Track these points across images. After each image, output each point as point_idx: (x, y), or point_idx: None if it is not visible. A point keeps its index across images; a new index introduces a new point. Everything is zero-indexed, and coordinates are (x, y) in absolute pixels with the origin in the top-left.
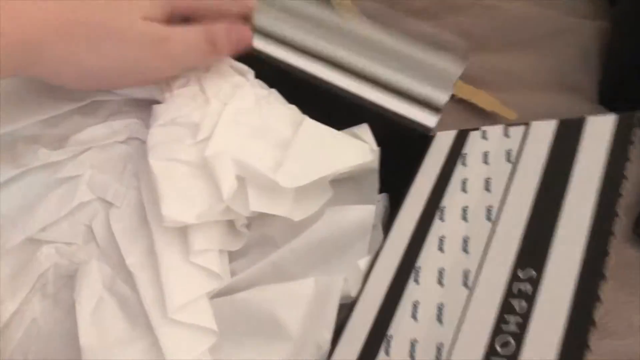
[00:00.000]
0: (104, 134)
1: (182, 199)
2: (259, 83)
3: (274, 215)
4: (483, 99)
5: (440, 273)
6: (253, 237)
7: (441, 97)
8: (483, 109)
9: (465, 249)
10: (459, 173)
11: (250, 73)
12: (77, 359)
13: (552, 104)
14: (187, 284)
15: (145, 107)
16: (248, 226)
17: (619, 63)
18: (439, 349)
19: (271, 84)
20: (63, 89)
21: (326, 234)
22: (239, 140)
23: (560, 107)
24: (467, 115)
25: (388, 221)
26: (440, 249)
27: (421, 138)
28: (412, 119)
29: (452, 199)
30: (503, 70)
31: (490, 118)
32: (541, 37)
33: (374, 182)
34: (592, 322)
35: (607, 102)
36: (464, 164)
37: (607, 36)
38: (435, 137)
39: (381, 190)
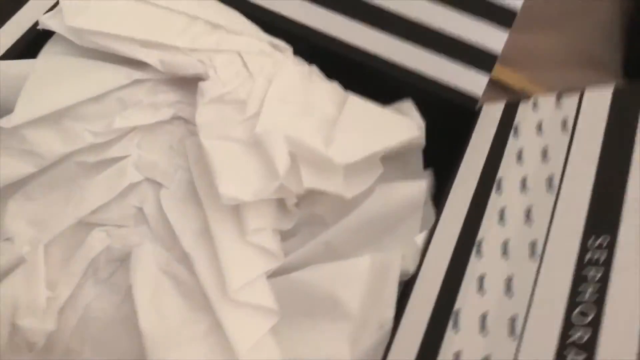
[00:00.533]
0: (148, 113)
1: (237, 177)
2: (297, 60)
3: (322, 194)
4: (510, 77)
5: (505, 245)
6: (302, 217)
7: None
8: (510, 87)
9: (528, 220)
10: (512, 144)
11: (289, 50)
12: (136, 343)
13: (577, 80)
14: (245, 263)
15: (187, 85)
16: (297, 205)
17: None
18: (512, 321)
19: (306, 59)
20: (105, 69)
21: (377, 211)
22: (287, 117)
23: (586, 83)
24: (493, 94)
25: (436, 197)
26: (502, 220)
27: (467, 111)
28: (457, 89)
29: (509, 171)
30: (527, 48)
31: (517, 96)
32: (564, 16)
33: (420, 158)
34: None
35: (631, 76)
36: (516, 134)
37: (630, 14)
38: (483, 110)
39: (425, 166)
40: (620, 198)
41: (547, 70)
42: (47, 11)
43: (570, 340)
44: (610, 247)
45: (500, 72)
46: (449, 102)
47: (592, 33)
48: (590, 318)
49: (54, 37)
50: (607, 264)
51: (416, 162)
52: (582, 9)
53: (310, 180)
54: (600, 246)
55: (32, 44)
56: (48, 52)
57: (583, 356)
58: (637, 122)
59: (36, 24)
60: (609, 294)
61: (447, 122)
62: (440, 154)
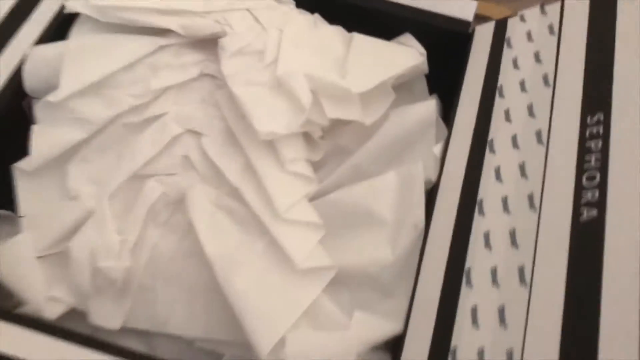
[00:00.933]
0: (178, 73)
1: (269, 115)
2: (301, 10)
3: (344, 125)
4: (494, 10)
5: (514, 139)
6: (329, 148)
7: None
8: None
9: (532, 115)
10: (507, 54)
11: (292, 2)
12: (200, 272)
13: None
14: (288, 188)
15: (208, 45)
16: (322, 138)
17: None
18: (520, 271)
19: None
20: (132, 39)
21: (395, 132)
22: (303, 59)
23: None
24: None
25: (444, 117)
26: (508, 120)
27: (462, 35)
28: (450, 17)
29: (507, 77)
30: None
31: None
32: None
33: (424, 84)
34: None
35: None
36: (509, 45)
37: None
38: (475, 31)
39: (429, 92)
40: (610, 80)
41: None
42: None
43: (584, 200)
44: (606, 122)
45: (485, 7)
46: (444, 30)
47: None
48: (597, 180)
49: (79, 18)
50: (606, 136)
51: (421, 87)
52: None
53: (332, 111)
54: (598, 122)
55: (59, 28)
56: (78, 32)
57: (595, 211)
58: (614, 19)
59: (62, 9)
60: (611, 159)
61: (445, 49)
62: (442, 79)
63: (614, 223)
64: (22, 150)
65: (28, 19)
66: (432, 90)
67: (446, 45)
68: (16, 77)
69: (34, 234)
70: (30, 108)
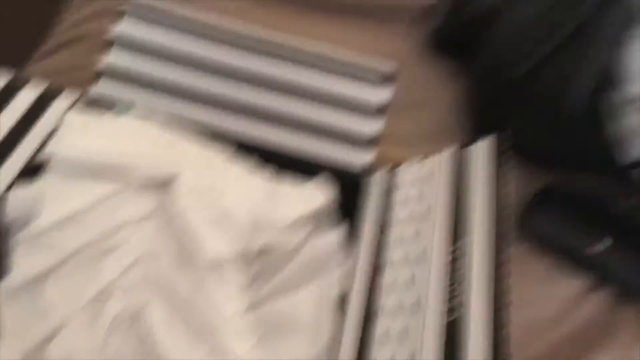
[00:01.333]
0: (136, 209)
1: (215, 240)
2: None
3: (269, 251)
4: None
5: (405, 257)
6: (259, 267)
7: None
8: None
9: (414, 241)
10: (396, 195)
11: (229, 152)
12: None
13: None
14: (228, 300)
15: (160, 186)
16: (254, 259)
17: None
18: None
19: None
20: (95, 184)
21: (312, 254)
22: (240, 196)
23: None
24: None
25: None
26: (396, 246)
27: (359, 180)
28: (350, 167)
29: (393, 214)
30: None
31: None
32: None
33: (332, 216)
34: None
35: None
36: (397, 188)
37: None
38: (372, 177)
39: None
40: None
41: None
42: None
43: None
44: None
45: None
46: (349, 176)
47: (440, 114)
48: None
49: (53, 161)
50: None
51: (330, 219)
52: (428, 96)
53: (263, 237)
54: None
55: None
56: (53, 174)
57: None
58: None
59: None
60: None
61: (348, 190)
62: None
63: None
64: None
65: (4, 164)
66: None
67: (353, 185)
68: None
69: (14, 343)
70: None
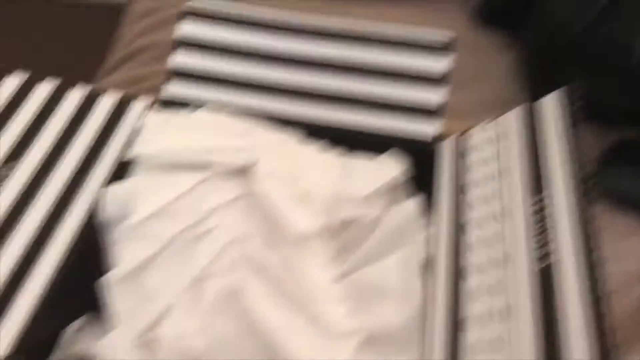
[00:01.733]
0: (221, 196)
1: (300, 219)
2: (305, 141)
3: (350, 224)
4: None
5: (477, 222)
6: (341, 242)
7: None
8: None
9: (486, 203)
10: (464, 162)
11: (299, 138)
12: (258, 347)
13: None
14: (319, 273)
15: (241, 173)
16: (336, 234)
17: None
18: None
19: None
20: (182, 176)
21: (392, 225)
22: (316, 176)
23: None
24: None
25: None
26: (471, 207)
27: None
28: (415, 138)
29: (468, 177)
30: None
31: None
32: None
33: (404, 188)
34: None
35: None
36: (466, 155)
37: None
38: (439, 147)
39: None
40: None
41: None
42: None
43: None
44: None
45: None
46: (416, 148)
47: (498, 84)
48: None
49: (137, 162)
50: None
51: (403, 191)
52: (484, 68)
53: (344, 211)
54: (540, 200)
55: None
56: (140, 172)
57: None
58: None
59: (120, 158)
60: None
61: (417, 161)
62: (416, 184)
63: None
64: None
65: (95, 166)
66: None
67: (421, 157)
68: (93, 212)
69: (126, 328)
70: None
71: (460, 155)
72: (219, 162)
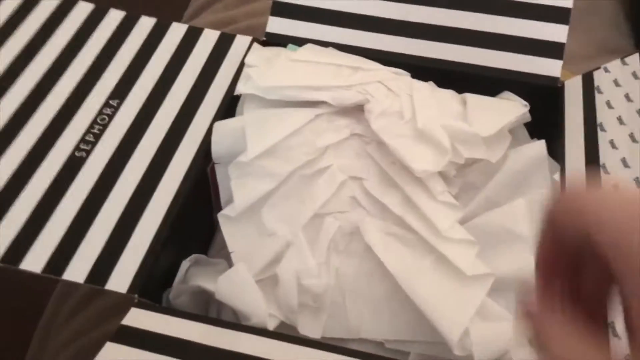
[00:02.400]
0: (334, 135)
1: (420, 157)
2: (417, 80)
3: (471, 166)
4: None
5: (623, 161)
6: (460, 184)
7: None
8: None
9: (634, 141)
10: (600, 98)
11: (408, 75)
12: (381, 286)
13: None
14: (443, 213)
15: (352, 112)
16: (455, 176)
17: None
18: None
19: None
20: (295, 112)
21: (516, 167)
22: (432, 114)
23: None
24: None
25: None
26: (614, 148)
27: (553, 89)
28: (541, 75)
29: (605, 115)
30: None
31: None
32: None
33: (525, 130)
34: None
35: None
36: (600, 91)
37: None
38: (565, 84)
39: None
40: None
41: (579, 63)
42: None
43: None
44: None
45: None
46: (539, 86)
47: (603, 27)
48: None
49: (246, 98)
50: None
51: (523, 132)
52: (590, 8)
53: (466, 152)
54: None
55: (228, 106)
56: (248, 109)
57: None
58: None
59: (228, 92)
60: None
61: (538, 101)
62: (536, 126)
63: None
64: (205, 204)
65: (202, 102)
66: (530, 135)
67: (539, 98)
68: (202, 147)
69: (244, 265)
70: (213, 172)
71: (587, 96)
72: (329, 100)
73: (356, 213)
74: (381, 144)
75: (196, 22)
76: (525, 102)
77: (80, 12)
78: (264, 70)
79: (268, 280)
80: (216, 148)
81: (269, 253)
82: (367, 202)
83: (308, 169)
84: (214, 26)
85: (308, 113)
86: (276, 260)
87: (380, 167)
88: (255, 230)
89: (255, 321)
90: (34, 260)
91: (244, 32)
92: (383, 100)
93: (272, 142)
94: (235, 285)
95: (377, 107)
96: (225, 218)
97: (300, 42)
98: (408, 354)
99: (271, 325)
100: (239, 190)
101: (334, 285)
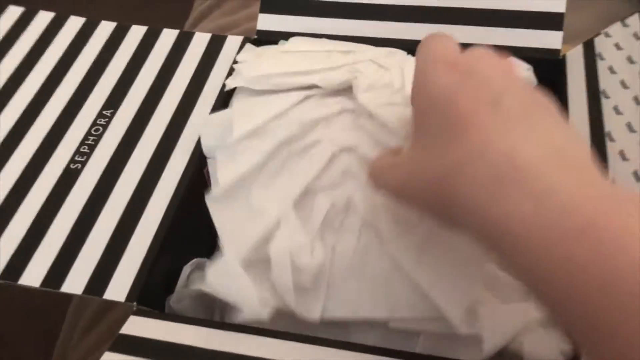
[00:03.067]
0: (323, 109)
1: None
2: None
3: None
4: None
5: (629, 125)
6: None
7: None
8: None
9: (639, 104)
10: (602, 65)
11: (404, 53)
12: (379, 263)
13: None
14: None
15: (342, 92)
16: None
17: None
18: None
19: None
20: (283, 96)
21: None
22: None
23: None
24: None
25: None
26: (619, 113)
27: (555, 60)
28: (540, 48)
29: (607, 81)
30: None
31: None
32: None
33: None
34: None
35: None
36: (602, 58)
37: None
38: (567, 55)
39: None
40: None
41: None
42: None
43: None
44: None
45: None
46: (540, 59)
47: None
48: None
49: (237, 91)
50: None
51: None
52: None
53: None
54: None
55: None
56: (237, 100)
57: None
58: None
59: (222, 88)
60: None
61: (541, 74)
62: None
63: None
64: (204, 207)
65: (196, 105)
66: None
67: (541, 72)
68: (197, 149)
69: (233, 247)
70: (208, 174)
71: (589, 63)
72: (318, 82)
73: (349, 187)
74: (370, 115)
75: (197, 29)
76: (528, 65)
77: (72, 27)
78: (254, 63)
79: (260, 263)
80: (206, 141)
81: (259, 232)
82: (358, 176)
83: (297, 143)
84: (215, 33)
85: (296, 95)
86: (267, 239)
87: (372, 136)
88: (244, 209)
89: (247, 312)
90: (33, 275)
91: (245, 35)
92: (371, 75)
93: (259, 121)
94: (224, 277)
95: (365, 82)
96: (213, 200)
97: (292, 37)
98: (417, 338)
99: (265, 313)
100: (224, 169)
101: (330, 264)
